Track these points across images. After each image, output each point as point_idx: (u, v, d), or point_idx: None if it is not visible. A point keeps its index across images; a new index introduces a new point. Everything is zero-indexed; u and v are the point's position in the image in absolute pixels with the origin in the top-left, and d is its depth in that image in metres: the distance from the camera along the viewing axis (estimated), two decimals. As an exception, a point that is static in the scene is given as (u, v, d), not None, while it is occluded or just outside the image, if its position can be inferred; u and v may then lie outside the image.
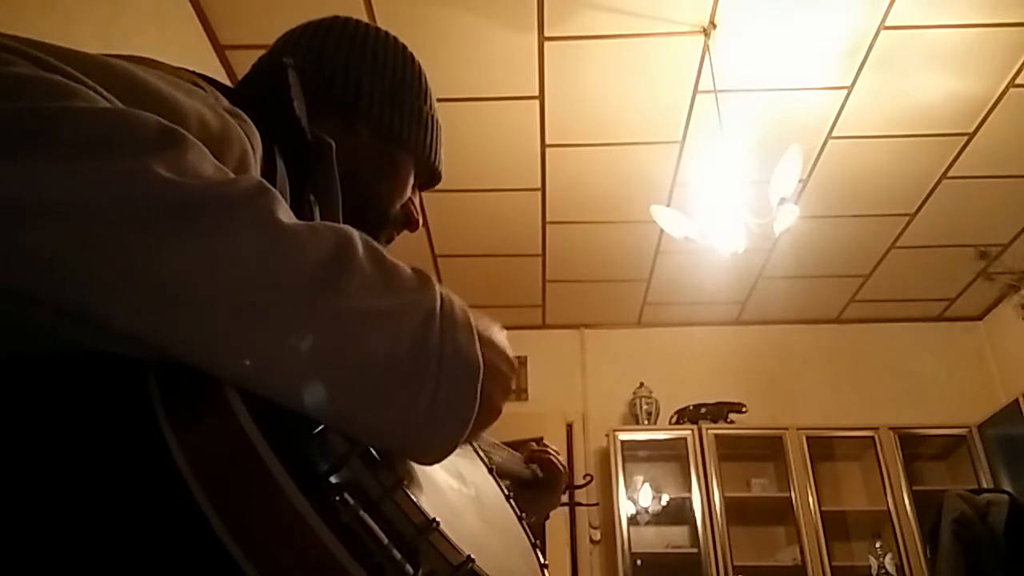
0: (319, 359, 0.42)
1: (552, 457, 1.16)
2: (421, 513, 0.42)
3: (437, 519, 0.43)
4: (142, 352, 0.41)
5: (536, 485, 1.11)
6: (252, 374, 0.40)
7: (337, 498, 0.38)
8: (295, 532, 0.37)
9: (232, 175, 0.45)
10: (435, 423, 0.45)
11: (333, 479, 0.39)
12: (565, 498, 1.23)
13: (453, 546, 0.43)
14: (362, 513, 0.39)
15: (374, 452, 0.43)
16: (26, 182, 0.38)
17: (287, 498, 0.37)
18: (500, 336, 0.55)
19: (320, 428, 0.41)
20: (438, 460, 0.48)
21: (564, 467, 1.17)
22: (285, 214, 0.44)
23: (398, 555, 0.39)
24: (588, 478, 1.52)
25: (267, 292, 0.41)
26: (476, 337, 0.49)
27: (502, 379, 0.53)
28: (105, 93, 0.46)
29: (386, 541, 0.39)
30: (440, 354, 0.46)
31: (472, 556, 0.44)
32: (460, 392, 0.47)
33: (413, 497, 0.42)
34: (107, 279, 0.38)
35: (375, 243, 0.48)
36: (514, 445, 1.12)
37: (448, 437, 0.47)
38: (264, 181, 0.44)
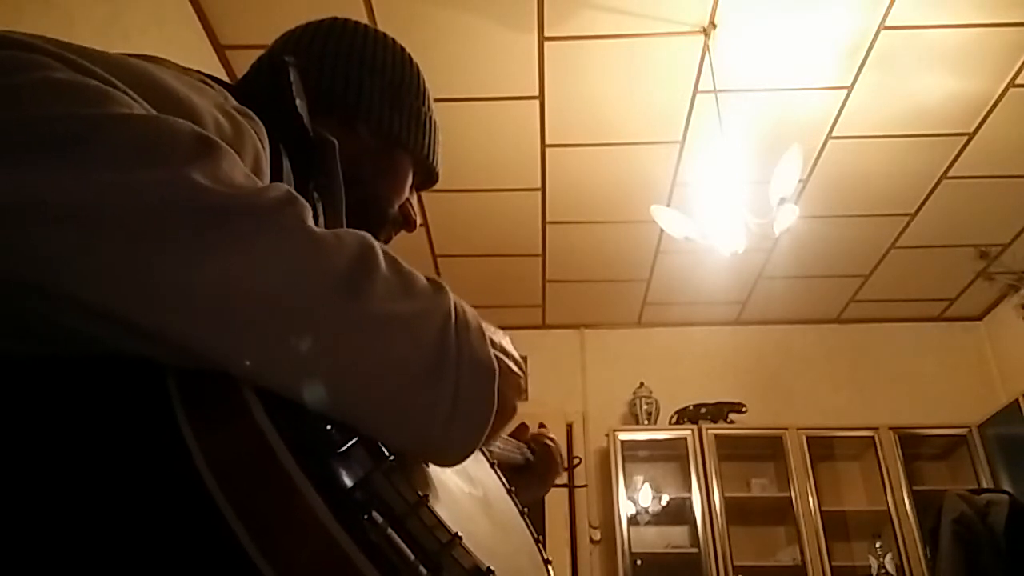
0: (345, 363, 0.43)
1: (551, 445, 1.16)
2: (444, 529, 0.43)
3: (459, 533, 0.43)
4: (169, 355, 0.41)
5: (528, 471, 1.11)
6: (282, 377, 0.41)
7: (365, 516, 0.39)
8: (322, 547, 0.37)
9: (260, 183, 0.46)
10: (456, 425, 0.46)
11: (358, 495, 0.39)
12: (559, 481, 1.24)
13: (475, 560, 0.44)
14: (389, 531, 0.39)
15: (396, 467, 0.44)
16: (67, 187, 0.38)
17: (314, 513, 0.37)
18: (507, 341, 0.57)
19: (345, 446, 0.41)
20: (458, 462, 0.49)
21: (561, 456, 1.17)
22: (312, 222, 0.45)
23: (424, 571, 0.40)
24: (577, 461, 1.57)
25: (298, 298, 0.42)
26: (488, 341, 0.50)
27: (514, 379, 0.55)
28: (136, 97, 0.46)
29: (412, 558, 0.39)
30: (458, 357, 0.47)
31: (492, 568, 0.44)
32: (479, 394, 0.48)
33: (436, 513, 0.43)
34: (146, 284, 0.39)
35: (391, 251, 0.49)
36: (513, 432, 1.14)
37: (468, 438, 0.48)
38: (292, 190, 0.45)
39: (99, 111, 0.42)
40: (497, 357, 0.51)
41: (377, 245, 0.48)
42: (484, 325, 0.52)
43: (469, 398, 0.47)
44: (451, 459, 0.49)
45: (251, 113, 0.59)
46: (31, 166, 0.38)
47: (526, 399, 0.59)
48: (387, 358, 0.44)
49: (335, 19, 0.88)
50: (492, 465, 0.87)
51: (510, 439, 1.12)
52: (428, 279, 0.50)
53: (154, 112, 0.46)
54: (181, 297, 0.39)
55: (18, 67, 0.43)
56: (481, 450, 0.86)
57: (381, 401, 0.44)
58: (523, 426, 1.17)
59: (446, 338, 0.47)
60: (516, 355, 0.57)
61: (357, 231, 0.48)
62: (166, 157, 0.41)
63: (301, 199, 0.45)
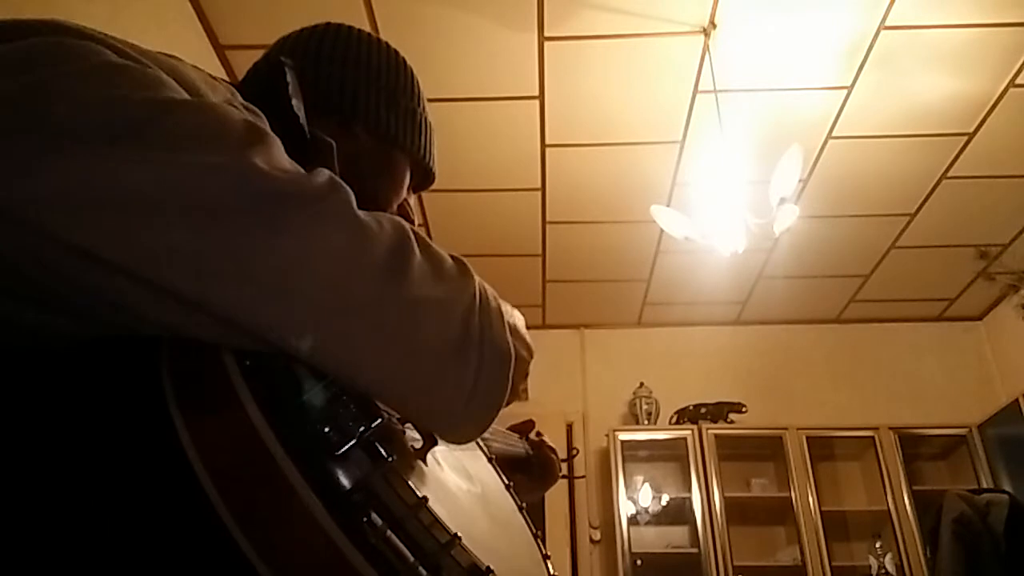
0: (384, 342, 0.45)
1: (551, 456, 1.17)
2: (443, 529, 0.43)
3: (459, 534, 0.44)
4: (213, 328, 0.42)
5: (525, 476, 1.12)
6: (326, 355, 0.43)
7: (364, 518, 0.39)
8: (320, 550, 0.37)
9: (303, 170, 0.47)
10: (474, 406, 0.49)
11: (357, 497, 0.40)
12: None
13: (473, 559, 0.44)
14: (388, 533, 0.39)
15: (395, 468, 0.44)
16: (131, 169, 0.39)
17: (312, 515, 0.37)
18: (520, 321, 0.61)
19: (343, 448, 0.41)
20: (469, 440, 0.53)
21: (560, 467, 1.18)
22: (356, 207, 0.47)
23: (423, 572, 0.40)
24: (575, 451, 1.60)
25: (347, 279, 0.44)
26: (507, 325, 0.53)
27: (523, 365, 0.58)
28: (177, 86, 0.48)
29: (411, 559, 0.40)
30: (480, 341, 0.50)
31: (491, 567, 0.45)
32: (496, 378, 0.51)
33: (435, 513, 0.43)
34: (214, 265, 0.40)
35: (421, 234, 0.51)
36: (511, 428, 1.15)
37: (483, 419, 0.51)
38: (335, 176, 0.47)
39: (158, 95, 0.44)
40: (512, 343, 0.53)
41: (411, 229, 0.50)
42: (503, 307, 0.55)
43: (488, 379, 0.50)
44: (464, 437, 0.52)
45: (256, 110, 0.60)
46: (96, 148, 0.40)
47: (526, 399, 0.60)
48: (421, 338, 0.46)
49: (329, 24, 0.90)
50: (490, 460, 0.87)
51: (511, 432, 1.12)
52: (454, 259, 0.53)
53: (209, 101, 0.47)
54: (242, 275, 0.41)
55: (77, 53, 0.44)
56: (479, 445, 0.87)
57: (413, 378, 0.46)
58: (530, 422, 1.18)
59: (471, 321, 0.50)
60: (527, 337, 0.61)
61: (391, 216, 0.50)
62: (224, 142, 0.43)
63: (345, 185, 0.47)
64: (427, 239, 0.51)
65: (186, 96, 0.46)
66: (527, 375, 0.61)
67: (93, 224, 0.38)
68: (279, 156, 0.45)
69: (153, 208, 0.39)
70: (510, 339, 0.53)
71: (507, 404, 0.54)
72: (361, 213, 0.47)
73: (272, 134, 0.47)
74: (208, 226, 0.40)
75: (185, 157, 0.41)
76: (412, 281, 0.47)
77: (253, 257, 0.41)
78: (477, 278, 0.53)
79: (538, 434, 1.19)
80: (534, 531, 0.81)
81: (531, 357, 0.61)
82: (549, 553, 0.78)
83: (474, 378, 0.49)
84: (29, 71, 0.42)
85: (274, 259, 0.41)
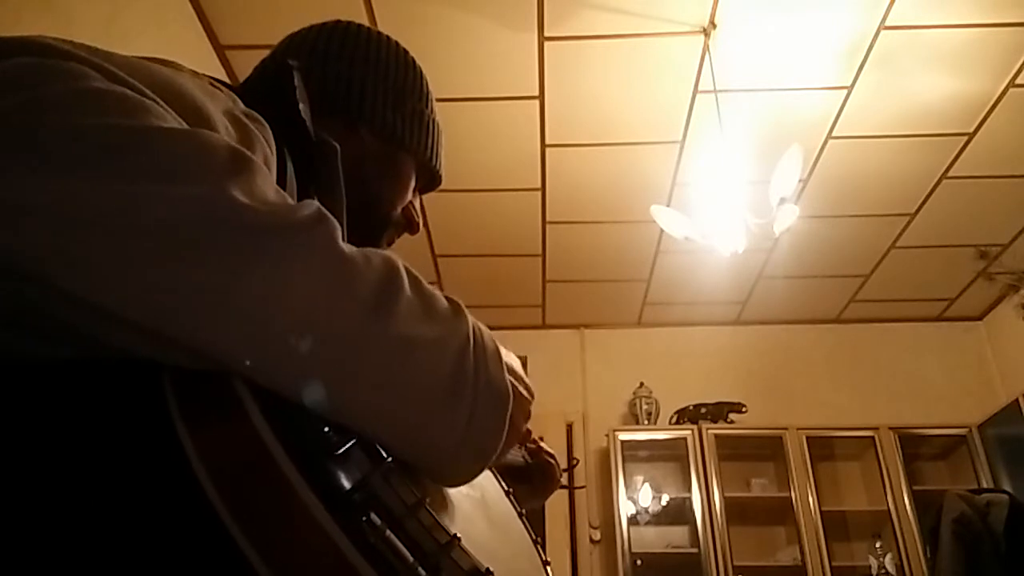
0: (369, 381, 0.43)
1: (551, 462, 1.16)
2: (443, 530, 0.43)
3: (458, 534, 0.43)
4: (190, 361, 0.41)
5: (525, 483, 1.11)
6: (306, 391, 0.42)
7: (364, 519, 0.39)
8: (320, 549, 0.37)
9: (290, 198, 0.46)
10: (467, 448, 0.48)
11: (356, 497, 0.40)
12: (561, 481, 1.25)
13: (473, 561, 0.44)
14: (388, 533, 0.39)
15: (394, 468, 0.44)
16: (107, 196, 0.39)
17: (311, 515, 0.37)
18: (516, 363, 0.58)
19: (343, 448, 0.41)
20: (463, 483, 0.51)
21: (560, 473, 1.17)
22: (342, 240, 0.45)
23: (423, 572, 0.40)
24: (575, 461, 1.59)
25: (328, 317, 0.42)
26: (504, 366, 0.52)
27: (524, 405, 0.57)
28: (165, 106, 0.47)
29: (411, 560, 0.40)
30: (475, 383, 0.48)
31: (490, 569, 0.44)
32: (492, 419, 0.49)
33: (434, 514, 0.43)
34: (180, 296, 0.39)
35: (414, 271, 0.50)
36: None
37: (477, 461, 0.50)
38: (322, 207, 0.46)
39: (138, 123, 0.42)
40: (511, 383, 0.52)
41: (402, 266, 0.49)
42: (500, 348, 0.53)
43: (482, 423, 0.48)
44: (457, 480, 0.51)
45: (259, 117, 0.59)
46: (71, 174, 0.39)
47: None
48: (408, 379, 0.45)
49: (337, 22, 0.89)
50: (490, 468, 0.87)
51: None
52: (448, 300, 0.51)
53: (181, 121, 0.47)
54: (215, 310, 0.40)
55: (57, 75, 0.43)
56: None
57: (399, 419, 0.45)
58: (526, 430, 1.17)
59: (465, 362, 0.48)
60: (526, 379, 0.59)
61: (382, 252, 0.48)
62: (204, 172, 0.42)
63: (331, 217, 0.46)
64: (420, 277, 0.50)
65: (169, 122, 0.45)
66: (530, 415, 0.59)
67: (58, 251, 0.38)
68: (262, 186, 0.44)
69: (123, 239, 0.38)
70: (508, 379, 0.51)
71: (506, 449, 0.52)
72: (347, 247, 0.45)
73: (258, 162, 0.45)
74: (180, 258, 0.39)
75: (161, 187, 0.40)
76: (399, 318, 0.45)
77: (224, 290, 0.40)
78: (472, 319, 0.52)
79: (535, 441, 1.18)
80: (534, 537, 0.81)
81: (532, 398, 0.60)
82: (549, 559, 0.78)
83: (468, 417, 0.47)
84: (9, 94, 0.41)
85: (247, 292, 0.40)
